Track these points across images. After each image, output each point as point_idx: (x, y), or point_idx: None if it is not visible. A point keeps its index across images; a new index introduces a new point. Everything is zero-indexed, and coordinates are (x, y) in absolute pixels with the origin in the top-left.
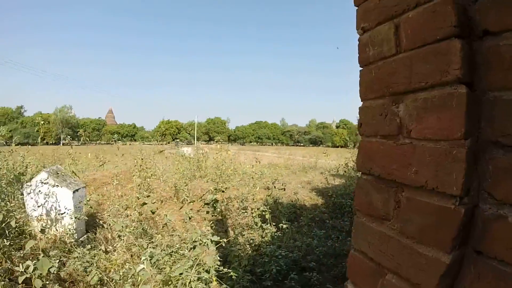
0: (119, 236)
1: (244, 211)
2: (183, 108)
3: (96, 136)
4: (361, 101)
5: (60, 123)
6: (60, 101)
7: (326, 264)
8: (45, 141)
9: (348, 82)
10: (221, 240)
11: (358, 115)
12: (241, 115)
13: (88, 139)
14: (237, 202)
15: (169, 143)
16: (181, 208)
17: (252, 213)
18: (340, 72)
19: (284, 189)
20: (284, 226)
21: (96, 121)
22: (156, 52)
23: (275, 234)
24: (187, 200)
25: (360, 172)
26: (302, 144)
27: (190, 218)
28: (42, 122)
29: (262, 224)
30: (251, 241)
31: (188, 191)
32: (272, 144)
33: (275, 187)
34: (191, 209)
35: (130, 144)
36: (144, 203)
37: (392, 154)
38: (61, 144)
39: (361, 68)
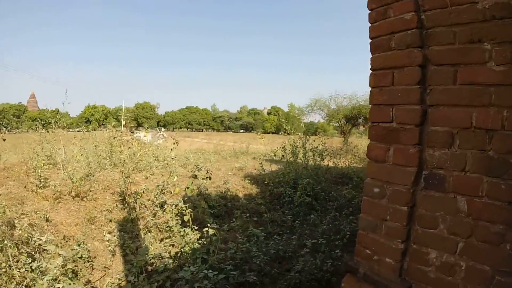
0: None
1: (159, 208)
2: (111, 93)
3: (16, 123)
4: None
5: None
6: None
7: (270, 275)
8: None
9: (280, 70)
10: None
11: None
12: (172, 100)
13: (6, 127)
14: (154, 195)
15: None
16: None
17: (170, 211)
18: (272, 61)
19: (210, 178)
20: (210, 232)
21: (16, 106)
22: (83, 27)
23: (199, 242)
24: (88, 196)
25: None
26: (233, 130)
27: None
28: None
29: (182, 229)
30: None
31: (93, 183)
32: (202, 130)
33: (195, 176)
34: (94, 208)
35: (52, 132)
36: None
37: None
38: None
39: None
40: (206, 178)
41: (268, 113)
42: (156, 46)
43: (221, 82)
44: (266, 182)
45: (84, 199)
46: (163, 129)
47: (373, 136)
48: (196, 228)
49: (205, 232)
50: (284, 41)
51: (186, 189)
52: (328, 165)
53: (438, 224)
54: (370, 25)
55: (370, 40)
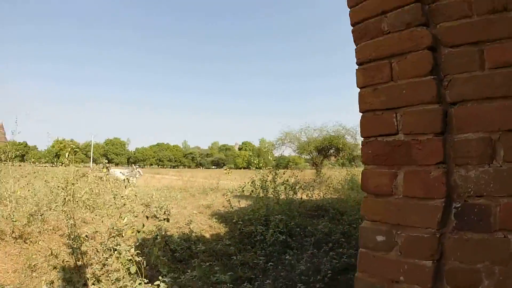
0: None
1: (110, 254)
2: (80, 127)
3: None
4: None
5: None
6: None
7: None
8: None
9: (251, 105)
10: None
11: None
12: (142, 136)
13: None
14: (106, 238)
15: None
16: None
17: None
18: (243, 93)
19: (168, 220)
20: (162, 286)
21: None
22: (49, 61)
23: None
24: (32, 238)
25: None
26: (205, 167)
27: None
28: None
29: (131, 281)
30: None
31: (40, 223)
32: (173, 167)
33: (147, 217)
34: (38, 252)
35: (19, 166)
36: None
37: None
38: None
39: None
40: (164, 219)
41: (239, 149)
42: (125, 84)
43: (192, 119)
44: (235, 221)
45: (27, 241)
46: (137, 166)
47: (370, 158)
48: (145, 281)
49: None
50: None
51: (137, 233)
52: (301, 198)
53: (482, 280)
54: (350, 10)
55: (353, 28)
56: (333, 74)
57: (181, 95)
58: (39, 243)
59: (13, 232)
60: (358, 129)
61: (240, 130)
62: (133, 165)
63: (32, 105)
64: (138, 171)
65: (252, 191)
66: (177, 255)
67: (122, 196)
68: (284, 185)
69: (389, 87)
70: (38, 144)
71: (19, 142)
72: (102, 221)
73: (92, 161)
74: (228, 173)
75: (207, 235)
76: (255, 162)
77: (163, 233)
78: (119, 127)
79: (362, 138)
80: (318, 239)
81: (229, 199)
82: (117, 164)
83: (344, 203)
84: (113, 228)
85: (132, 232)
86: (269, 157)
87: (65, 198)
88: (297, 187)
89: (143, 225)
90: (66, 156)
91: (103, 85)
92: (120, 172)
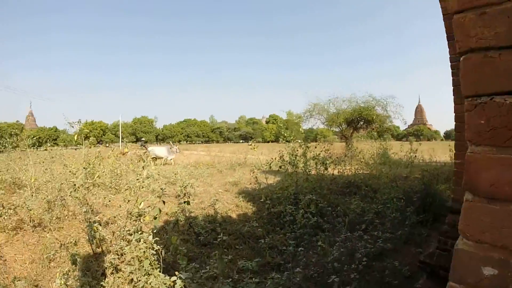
0: None
1: (126, 242)
2: (108, 108)
3: (16, 141)
4: None
5: None
6: None
7: None
8: None
9: (279, 77)
10: None
11: None
12: (169, 113)
13: (5, 146)
14: (129, 221)
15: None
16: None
17: (138, 245)
18: (269, 66)
19: (188, 203)
20: (178, 284)
21: (13, 125)
22: (77, 49)
23: None
24: (52, 225)
25: None
26: (232, 141)
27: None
28: None
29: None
30: None
31: (61, 209)
32: (202, 142)
33: (180, 196)
34: (56, 240)
35: (50, 150)
36: None
37: None
38: None
39: None
40: (185, 202)
41: (267, 122)
42: (150, 64)
43: (218, 93)
44: (262, 200)
45: (46, 229)
46: (175, 143)
47: (481, 133)
48: (162, 276)
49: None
50: (277, 41)
51: (154, 220)
52: (332, 174)
53: None
54: None
55: None
56: (357, 44)
57: (206, 70)
58: (59, 230)
59: (31, 220)
60: (389, 100)
61: (267, 103)
62: (170, 142)
63: (63, 90)
64: (177, 148)
65: (281, 166)
66: (201, 238)
67: (140, 177)
68: (315, 159)
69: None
70: (68, 127)
71: (49, 128)
72: (120, 206)
73: (121, 140)
74: (254, 148)
75: (234, 215)
76: (284, 135)
77: (187, 215)
78: (146, 106)
79: (465, 96)
80: (351, 219)
81: (255, 176)
82: (146, 142)
83: (376, 180)
84: (130, 213)
85: (152, 217)
86: (299, 129)
87: (78, 183)
88: (328, 162)
89: (159, 210)
90: (97, 137)
91: (127, 69)
92: (159, 150)
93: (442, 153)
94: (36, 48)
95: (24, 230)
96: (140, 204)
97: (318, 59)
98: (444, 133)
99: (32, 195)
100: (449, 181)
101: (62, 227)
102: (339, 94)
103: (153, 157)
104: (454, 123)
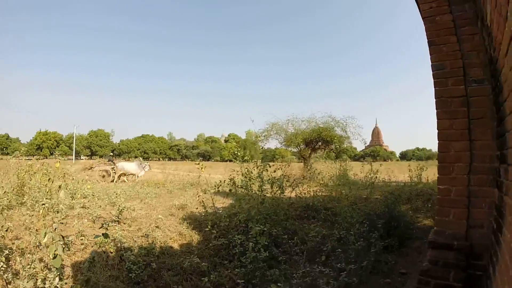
0: None
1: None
2: (63, 119)
3: None
4: None
5: None
6: None
7: None
8: None
9: (237, 95)
10: None
11: None
12: (126, 128)
13: None
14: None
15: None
16: None
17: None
18: (229, 82)
19: (107, 235)
20: None
21: None
22: (28, 50)
23: None
24: None
25: None
26: (190, 159)
27: None
28: None
29: None
30: None
31: None
32: (159, 159)
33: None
34: None
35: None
36: None
37: None
38: None
39: None
40: (103, 235)
41: (226, 141)
42: (111, 72)
43: (177, 111)
44: (208, 229)
45: None
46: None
47: None
48: None
49: None
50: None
51: (53, 260)
52: (290, 197)
53: None
54: None
55: None
56: (320, 61)
57: (166, 82)
58: None
59: None
60: (349, 120)
61: (226, 121)
62: (140, 158)
63: (15, 94)
64: (147, 165)
65: (231, 190)
66: (133, 275)
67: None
68: (271, 181)
69: None
70: (21, 136)
71: (1, 134)
72: (37, 230)
73: (75, 153)
74: (202, 169)
75: (176, 246)
76: (239, 155)
77: (119, 245)
78: (103, 118)
79: None
80: (310, 248)
81: (202, 201)
82: (101, 156)
83: (336, 202)
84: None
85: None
86: (255, 150)
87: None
88: (285, 184)
89: (55, 249)
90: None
91: (86, 72)
92: (129, 167)
93: (399, 173)
94: None
95: None
96: (44, 236)
97: (283, 74)
98: (399, 154)
99: None
100: (411, 201)
101: None
102: (299, 113)
103: (122, 173)
104: (438, 141)
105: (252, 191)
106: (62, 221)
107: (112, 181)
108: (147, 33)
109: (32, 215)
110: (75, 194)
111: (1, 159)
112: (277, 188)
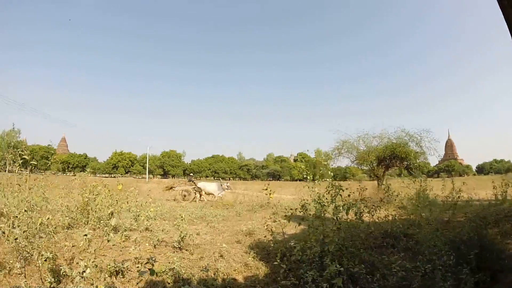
0: None
1: None
2: (137, 140)
3: (44, 164)
4: None
5: (7, 148)
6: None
7: None
8: None
9: (307, 114)
10: None
11: None
12: (198, 148)
13: (35, 167)
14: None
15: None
16: None
17: None
18: (298, 103)
19: (153, 272)
20: None
21: (45, 148)
22: (110, 77)
23: None
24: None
25: None
26: (260, 179)
27: None
28: None
29: None
30: None
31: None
32: (229, 179)
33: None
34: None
35: (79, 176)
36: None
37: None
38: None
39: None
40: (150, 271)
41: (295, 160)
42: (179, 97)
43: (247, 131)
44: (277, 262)
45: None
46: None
47: None
48: None
49: None
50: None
51: None
52: (368, 222)
53: None
54: None
55: None
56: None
57: (234, 106)
58: (15, 276)
59: None
60: (424, 134)
61: (296, 140)
62: (220, 179)
63: (94, 118)
64: (228, 185)
65: (303, 218)
66: None
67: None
68: (346, 207)
69: None
70: (98, 155)
71: (79, 154)
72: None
73: (148, 173)
74: (270, 195)
75: (240, 278)
76: (308, 177)
77: (177, 277)
78: (175, 140)
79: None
80: (392, 285)
81: (271, 229)
82: (173, 176)
83: (417, 227)
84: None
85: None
86: (326, 169)
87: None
88: (362, 209)
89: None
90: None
91: (156, 97)
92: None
93: (479, 189)
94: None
95: None
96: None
97: (349, 91)
98: (476, 168)
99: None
100: (498, 224)
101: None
102: (369, 129)
103: (203, 193)
104: None
105: (324, 215)
106: (119, 244)
107: (194, 200)
108: (215, 60)
109: (93, 235)
110: (138, 216)
111: (77, 176)
112: (354, 215)
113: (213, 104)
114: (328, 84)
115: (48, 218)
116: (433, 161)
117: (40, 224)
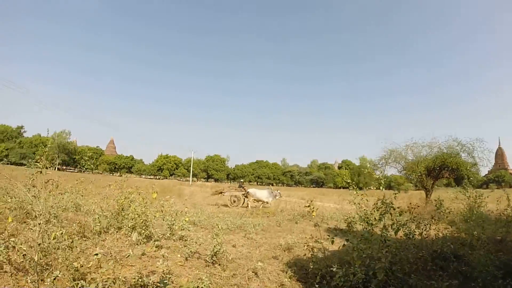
0: None
1: None
2: (182, 144)
3: (92, 164)
4: None
5: (57, 148)
6: (61, 127)
7: None
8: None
9: (351, 122)
10: None
11: None
12: (241, 153)
13: (84, 167)
14: None
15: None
16: None
17: None
18: (342, 112)
19: None
20: None
21: (94, 149)
22: (160, 86)
23: None
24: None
25: None
26: (303, 185)
27: None
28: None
29: None
30: None
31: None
32: (272, 184)
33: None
34: None
35: (124, 176)
36: None
37: None
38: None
39: None
40: None
41: (339, 167)
42: (227, 107)
43: (291, 137)
44: (318, 279)
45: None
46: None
47: None
48: None
49: None
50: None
51: None
52: (417, 240)
53: None
54: None
55: None
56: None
57: (279, 116)
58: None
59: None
60: (476, 144)
61: (341, 147)
62: (270, 185)
63: (142, 122)
64: (279, 193)
65: (348, 224)
66: None
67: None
68: (396, 227)
69: None
70: (144, 157)
71: (126, 156)
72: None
73: (192, 176)
74: (313, 212)
75: None
76: (353, 186)
77: None
78: (219, 145)
79: None
80: None
81: (312, 248)
82: (216, 180)
83: (468, 248)
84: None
85: None
86: (370, 178)
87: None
88: (413, 230)
89: None
90: (169, 170)
91: (203, 106)
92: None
93: None
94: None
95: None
96: None
97: (392, 102)
98: None
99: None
100: None
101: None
102: (417, 138)
103: (253, 199)
104: None
105: (373, 229)
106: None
107: (243, 206)
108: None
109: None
110: (173, 225)
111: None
112: (404, 235)
113: (265, 115)
114: (380, 96)
115: (62, 233)
116: (483, 171)
117: (54, 238)
